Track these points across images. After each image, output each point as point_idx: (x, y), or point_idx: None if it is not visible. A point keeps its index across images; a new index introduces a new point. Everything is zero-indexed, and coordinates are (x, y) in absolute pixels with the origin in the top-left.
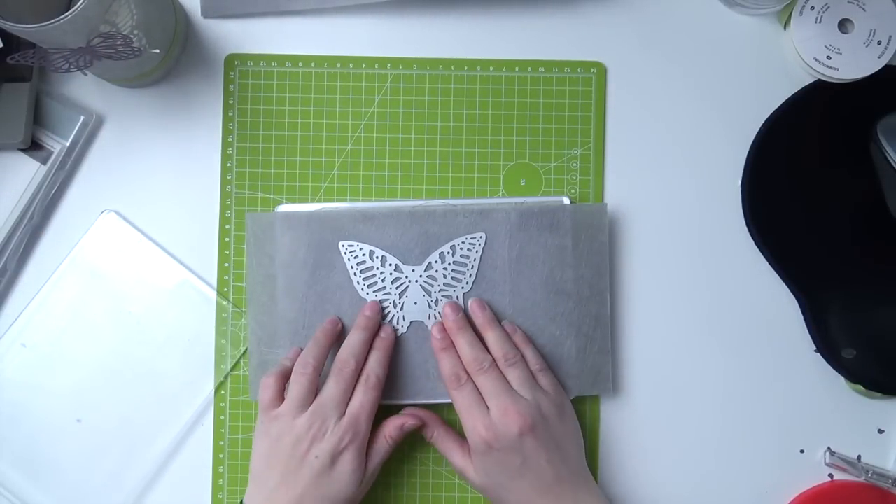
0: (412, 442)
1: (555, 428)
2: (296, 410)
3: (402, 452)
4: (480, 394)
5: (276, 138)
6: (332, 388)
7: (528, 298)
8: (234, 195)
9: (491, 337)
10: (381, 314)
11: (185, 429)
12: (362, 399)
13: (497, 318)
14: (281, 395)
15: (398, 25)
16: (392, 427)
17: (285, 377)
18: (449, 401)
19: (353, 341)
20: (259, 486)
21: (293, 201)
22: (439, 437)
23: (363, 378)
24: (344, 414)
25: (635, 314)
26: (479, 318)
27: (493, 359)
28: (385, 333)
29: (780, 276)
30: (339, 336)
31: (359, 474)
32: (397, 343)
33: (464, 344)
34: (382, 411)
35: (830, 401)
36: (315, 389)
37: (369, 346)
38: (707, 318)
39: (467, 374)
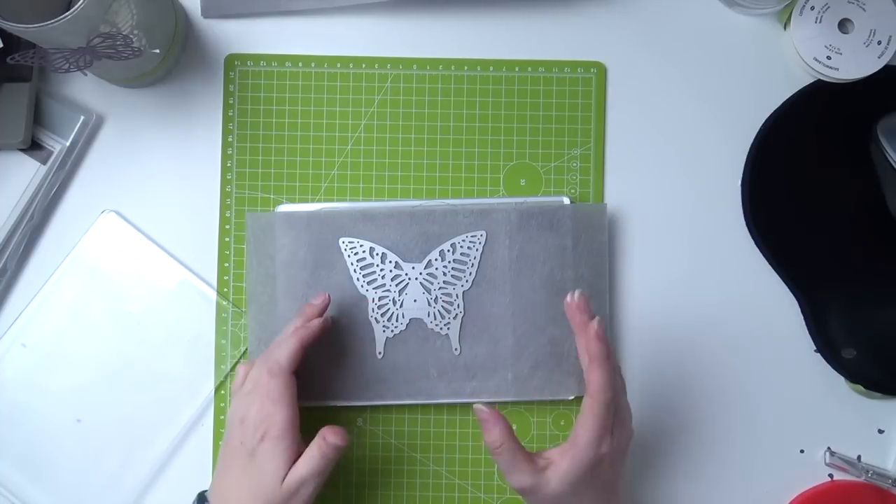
0: (412, 442)
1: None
2: (244, 392)
3: (403, 452)
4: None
5: (276, 138)
6: (254, 374)
7: (529, 298)
8: (234, 195)
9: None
10: (327, 305)
11: (185, 429)
12: (266, 386)
13: (516, 314)
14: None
15: (398, 25)
16: (329, 433)
17: None
18: (449, 401)
19: (286, 327)
20: (216, 468)
21: (293, 201)
22: (506, 450)
23: (266, 365)
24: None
25: (635, 314)
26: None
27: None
28: (312, 323)
29: (780, 276)
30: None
31: (274, 470)
32: (396, 341)
33: (608, 369)
34: (382, 411)
35: (830, 401)
36: None
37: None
38: (707, 318)
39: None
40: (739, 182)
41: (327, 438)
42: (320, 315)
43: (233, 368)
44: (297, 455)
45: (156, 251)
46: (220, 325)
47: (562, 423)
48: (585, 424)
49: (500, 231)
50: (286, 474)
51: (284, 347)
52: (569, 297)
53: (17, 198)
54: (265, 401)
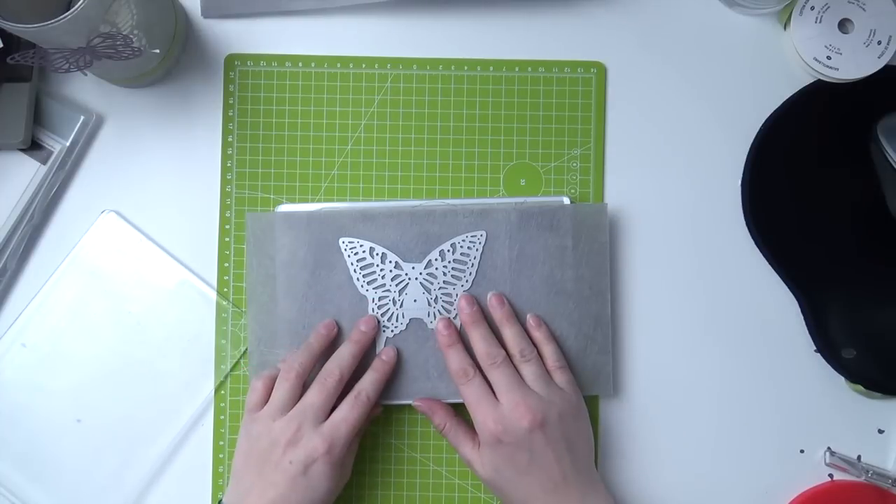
0: (412, 442)
1: (566, 426)
2: (276, 413)
3: (403, 452)
4: (489, 387)
5: (276, 138)
6: (312, 396)
7: (529, 298)
8: (234, 195)
9: (508, 332)
10: (376, 329)
11: (185, 429)
12: (347, 413)
13: (516, 314)
14: (267, 398)
15: (398, 25)
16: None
17: (274, 380)
18: (449, 401)
19: (342, 353)
20: (236, 485)
21: (293, 201)
22: (450, 428)
23: (354, 393)
24: (323, 423)
25: (635, 314)
26: (499, 312)
27: (507, 354)
28: (387, 356)
29: (779, 276)
30: (333, 341)
31: (331, 484)
32: (396, 341)
33: (478, 337)
34: (383, 411)
35: (830, 401)
36: (298, 394)
37: (358, 360)
38: (707, 318)
39: (474, 368)
40: (739, 182)
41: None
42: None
43: (233, 368)
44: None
45: (156, 251)
46: (220, 325)
47: None
48: (469, 410)
49: (500, 231)
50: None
51: (371, 382)
52: (437, 325)
53: (17, 198)
54: (330, 425)
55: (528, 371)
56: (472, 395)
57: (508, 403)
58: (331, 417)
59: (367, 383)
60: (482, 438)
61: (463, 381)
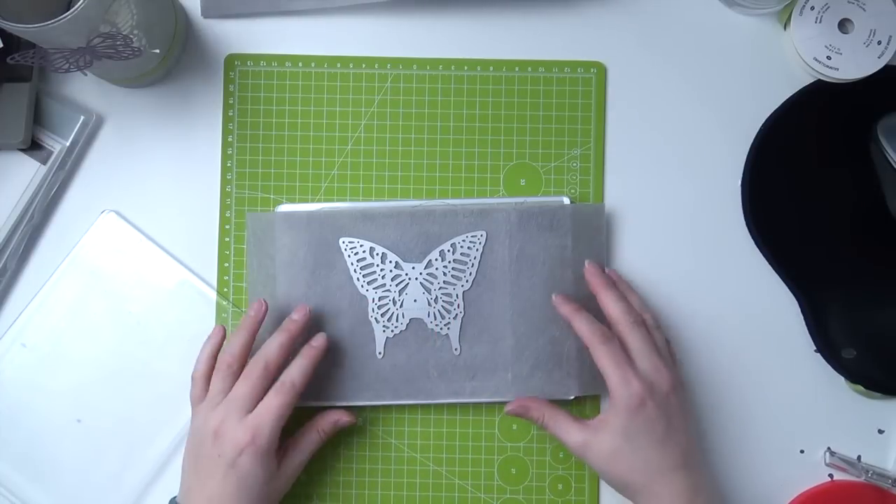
0: (412, 442)
1: (684, 394)
2: (210, 405)
3: (403, 452)
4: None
5: (276, 138)
6: (238, 388)
7: (528, 298)
8: (234, 195)
9: (619, 305)
10: (308, 318)
11: (185, 429)
12: (270, 402)
13: (516, 314)
14: (206, 390)
15: (398, 25)
16: (326, 422)
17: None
18: (449, 401)
19: (269, 343)
20: (183, 481)
21: (293, 201)
22: (549, 417)
23: (278, 382)
24: (249, 414)
25: None
26: (598, 279)
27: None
28: (317, 342)
29: (779, 276)
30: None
31: (263, 473)
32: (396, 341)
33: (612, 300)
34: (382, 411)
35: (830, 401)
36: (230, 385)
37: (287, 350)
38: (707, 318)
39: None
40: (739, 182)
41: (330, 418)
42: (305, 327)
43: None
44: (278, 457)
45: (156, 251)
46: None
47: None
48: (604, 374)
49: (500, 231)
50: (277, 472)
51: (298, 368)
52: (554, 298)
53: (17, 198)
54: (255, 415)
55: (657, 337)
56: (612, 356)
57: (650, 365)
58: (255, 409)
59: (294, 370)
60: (621, 403)
61: (602, 340)
